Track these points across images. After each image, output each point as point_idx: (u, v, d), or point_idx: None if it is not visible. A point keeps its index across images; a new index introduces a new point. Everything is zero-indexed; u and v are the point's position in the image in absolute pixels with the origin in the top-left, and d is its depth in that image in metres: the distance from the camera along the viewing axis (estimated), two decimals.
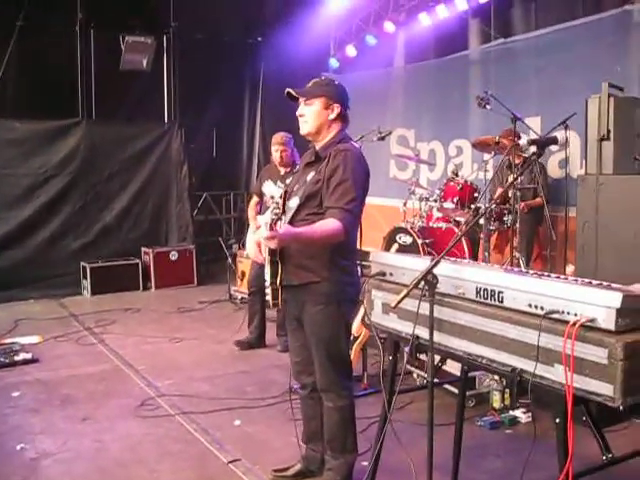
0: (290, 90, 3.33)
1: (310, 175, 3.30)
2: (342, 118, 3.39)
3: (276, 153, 6.09)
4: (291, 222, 3.23)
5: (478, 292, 2.48)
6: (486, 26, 8.10)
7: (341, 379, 3.43)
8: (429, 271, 2.48)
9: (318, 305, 3.29)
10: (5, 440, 4.24)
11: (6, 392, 5.09)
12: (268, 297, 3.32)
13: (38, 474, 3.79)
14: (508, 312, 2.36)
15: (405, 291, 2.45)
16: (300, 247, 3.23)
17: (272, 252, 3.19)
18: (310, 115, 3.31)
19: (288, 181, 5.84)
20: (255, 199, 6.39)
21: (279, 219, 3.00)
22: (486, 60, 8.05)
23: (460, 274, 2.58)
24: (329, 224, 3.11)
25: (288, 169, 6.02)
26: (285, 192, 3.11)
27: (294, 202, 3.30)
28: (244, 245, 7.09)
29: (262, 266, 6.20)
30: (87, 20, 8.78)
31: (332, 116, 3.33)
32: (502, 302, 2.39)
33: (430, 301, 2.52)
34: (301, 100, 3.34)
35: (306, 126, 3.34)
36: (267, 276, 3.27)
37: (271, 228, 2.94)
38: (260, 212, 6.22)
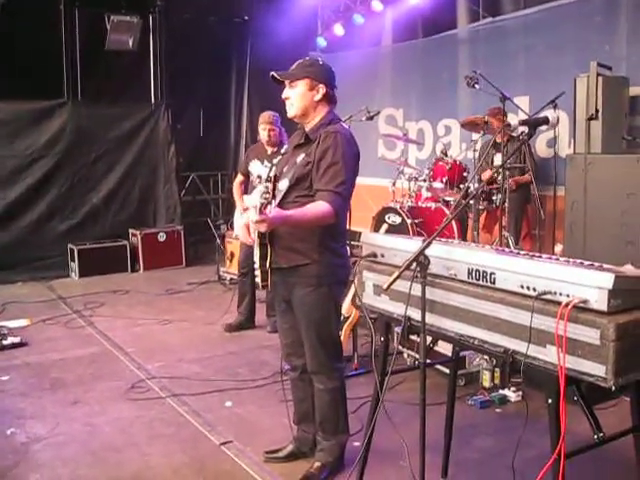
0: (274, 73, 3.29)
1: (300, 157, 3.28)
2: (329, 98, 3.35)
3: (264, 132, 6.04)
4: (280, 204, 3.22)
5: (470, 273, 2.48)
6: (474, 5, 8.06)
7: (331, 361, 3.44)
8: (421, 252, 2.48)
9: (308, 287, 3.29)
10: None
11: None
12: (257, 279, 3.31)
13: (29, 458, 3.78)
14: (500, 293, 2.36)
15: (397, 273, 2.45)
16: (290, 229, 3.22)
17: (261, 235, 3.17)
18: (295, 97, 3.28)
19: (275, 160, 5.84)
20: (240, 178, 6.35)
21: (269, 203, 2.97)
22: (474, 39, 8.02)
23: (452, 255, 2.58)
24: (319, 207, 3.10)
25: (275, 148, 5.97)
26: (275, 176, 3.09)
27: (283, 184, 3.28)
28: (232, 226, 7.06)
29: (252, 247, 6.22)
30: None
31: (318, 97, 3.29)
32: (494, 283, 2.39)
33: (422, 282, 2.52)
34: (286, 83, 3.30)
35: (292, 109, 3.31)
36: (256, 258, 3.25)
37: (261, 212, 2.91)
38: (246, 192, 6.20)
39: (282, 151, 3.59)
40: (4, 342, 5.75)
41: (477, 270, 2.45)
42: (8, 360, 5.44)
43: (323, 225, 3.17)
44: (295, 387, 3.68)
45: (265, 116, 6.04)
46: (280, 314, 3.59)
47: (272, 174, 3.17)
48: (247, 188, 6.22)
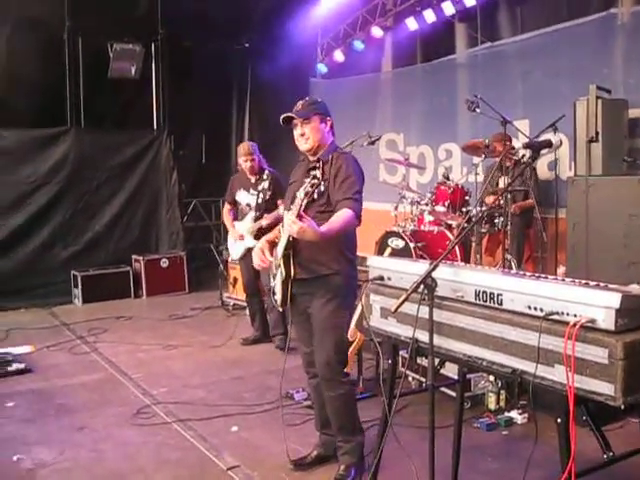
0: (289, 114, 3.56)
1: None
2: (333, 129, 3.73)
3: (245, 163, 6.27)
4: (300, 219, 3.36)
5: (477, 295, 2.50)
6: (473, 30, 8.16)
7: (341, 367, 3.63)
8: (428, 275, 2.50)
9: (327, 296, 3.49)
10: (0, 451, 4.21)
11: (0, 403, 5.06)
12: (277, 297, 3.54)
13: None
14: (507, 314, 2.38)
15: (405, 295, 2.47)
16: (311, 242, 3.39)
17: (287, 245, 3.41)
18: (311, 132, 3.59)
19: (260, 187, 6.07)
20: (227, 206, 6.61)
21: (313, 192, 3.31)
22: (473, 64, 8.11)
23: (459, 277, 2.60)
24: (344, 214, 3.37)
25: (258, 176, 6.26)
26: (312, 185, 3.35)
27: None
28: (227, 250, 7.19)
29: (255, 271, 6.24)
30: (74, 28, 8.76)
31: (327, 128, 3.68)
32: (501, 304, 2.41)
33: (429, 305, 2.54)
34: (297, 121, 3.56)
35: (309, 142, 3.60)
36: (278, 280, 3.49)
37: (299, 216, 3.20)
38: (236, 218, 6.42)
39: (289, 181, 3.82)
40: (9, 368, 5.74)
41: (484, 292, 2.48)
42: (13, 386, 5.43)
43: (350, 229, 3.45)
44: (316, 393, 3.83)
45: (243, 148, 6.28)
46: (299, 324, 3.74)
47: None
48: (236, 216, 6.41)
